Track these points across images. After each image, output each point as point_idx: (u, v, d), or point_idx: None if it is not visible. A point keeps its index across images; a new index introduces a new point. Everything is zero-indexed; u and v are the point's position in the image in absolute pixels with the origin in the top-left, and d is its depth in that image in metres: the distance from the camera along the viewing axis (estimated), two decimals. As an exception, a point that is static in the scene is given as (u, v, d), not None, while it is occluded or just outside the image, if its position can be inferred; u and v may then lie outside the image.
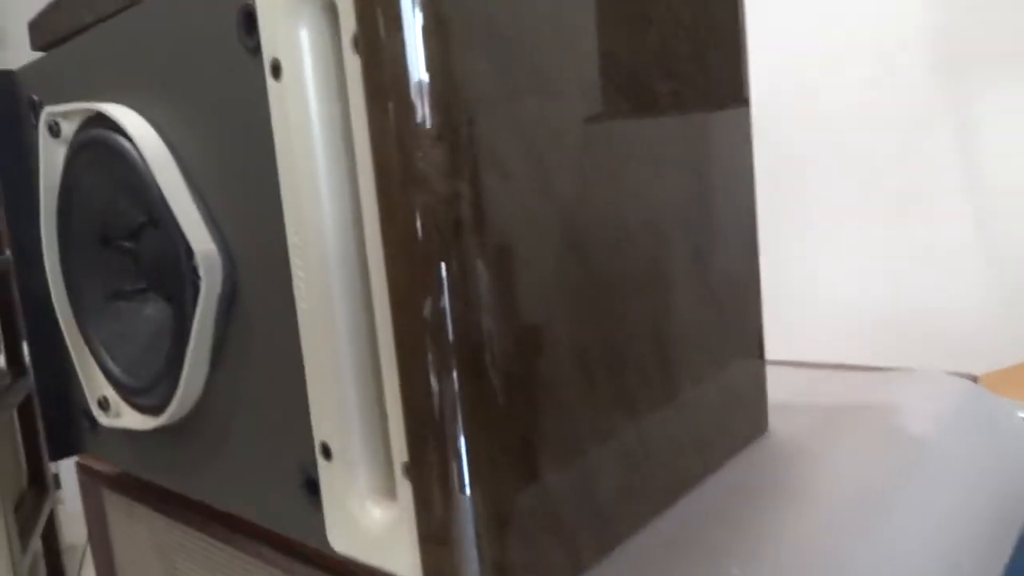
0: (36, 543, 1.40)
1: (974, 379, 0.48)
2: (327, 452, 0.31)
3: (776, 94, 1.09)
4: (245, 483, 0.37)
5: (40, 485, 1.52)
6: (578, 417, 0.30)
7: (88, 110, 0.40)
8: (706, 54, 0.38)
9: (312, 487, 0.32)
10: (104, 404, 0.44)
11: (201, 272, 0.34)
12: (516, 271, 0.27)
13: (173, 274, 0.36)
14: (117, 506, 0.53)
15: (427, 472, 0.26)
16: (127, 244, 0.42)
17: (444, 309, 0.25)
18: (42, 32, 0.45)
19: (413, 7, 0.24)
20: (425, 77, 0.25)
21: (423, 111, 0.25)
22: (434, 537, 0.26)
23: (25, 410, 1.48)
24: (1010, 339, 1.06)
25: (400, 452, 0.27)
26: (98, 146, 0.39)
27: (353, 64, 0.26)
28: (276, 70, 0.29)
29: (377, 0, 0.25)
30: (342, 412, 0.30)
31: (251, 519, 0.37)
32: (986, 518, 0.38)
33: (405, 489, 0.28)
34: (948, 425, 0.41)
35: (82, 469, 0.54)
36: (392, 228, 0.25)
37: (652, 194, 0.34)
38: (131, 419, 0.42)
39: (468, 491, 0.26)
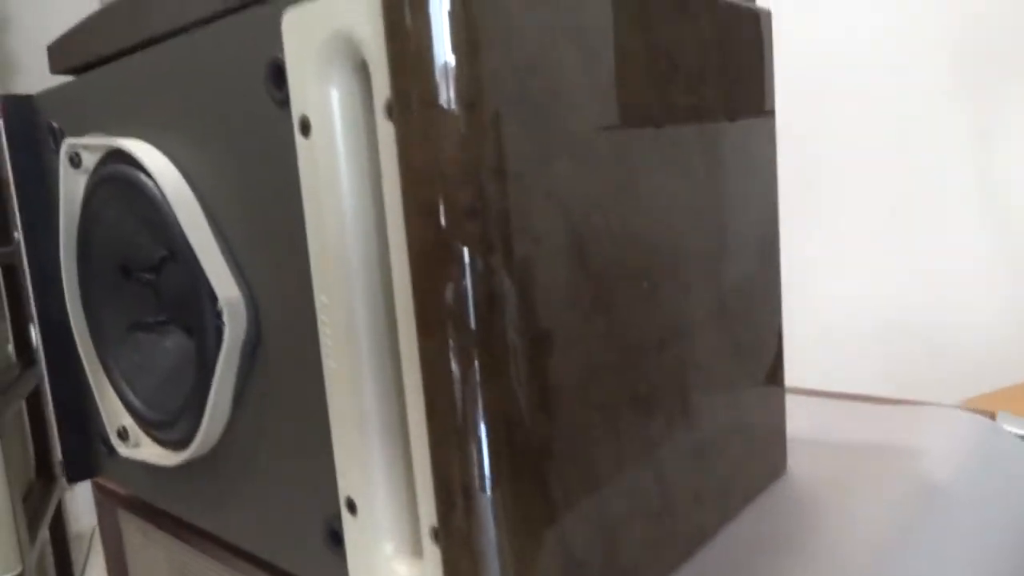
0: (44, 533, 1.41)
1: (992, 416, 0.48)
2: (352, 507, 0.31)
3: (786, 106, 1.08)
4: (265, 524, 0.37)
5: (48, 474, 1.53)
6: (603, 478, 0.30)
7: (110, 145, 0.39)
8: (732, 94, 0.37)
9: (336, 538, 0.33)
10: (123, 434, 0.44)
11: (226, 318, 0.34)
12: (552, 353, 0.27)
13: (195, 314, 0.36)
14: (133, 526, 0.53)
15: (456, 542, 0.26)
16: (148, 276, 0.42)
17: (476, 384, 0.25)
18: (63, 56, 0.45)
19: (448, 81, 0.24)
20: (459, 152, 0.24)
21: (456, 185, 0.24)
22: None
23: (33, 400, 1.48)
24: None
25: (428, 515, 0.28)
26: (120, 181, 0.39)
27: (386, 130, 0.26)
28: (305, 127, 0.29)
29: (412, 71, 0.24)
30: (368, 471, 0.30)
31: (270, 560, 0.37)
32: (1004, 565, 0.38)
33: (432, 552, 0.28)
34: (968, 470, 0.41)
35: (98, 488, 0.54)
36: (425, 301, 0.25)
37: (681, 243, 0.34)
38: (151, 452, 0.42)
39: (498, 563, 0.26)
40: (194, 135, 0.36)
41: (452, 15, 0.24)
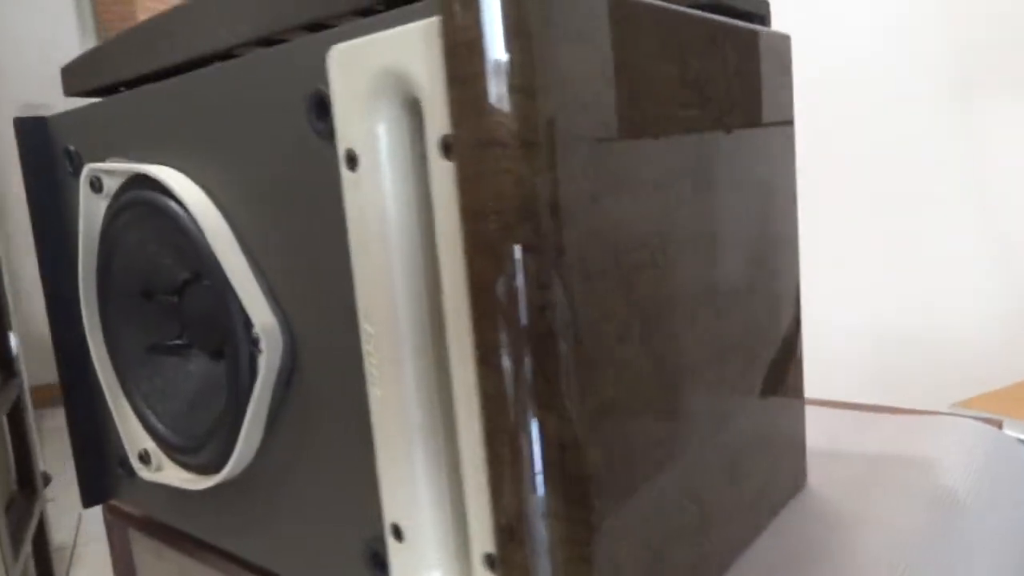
0: (27, 547, 1.39)
1: (999, 425, 0.50)
2: (398, 533, 0.31)
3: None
4: (299, 548, 0.37)
5: (30, 487, 1.50)
6: (646, 499, 0.31)
7: (134, 171, 0.39)
8: (758, 117, 0.38)
9: (378, 562, 0.33)
10: (145, 458, 0.44)
11: (263, 344, 0.34)
12: (602, 379, 0.28)
13: (228, 340, 0.36)
14: (143, 546, 0.53)
15: (514, 569, 0.27)
16: (170, 299, 0.42)
17: (532, 412, 0.26)
18: (80, 78, 0.44)
19: (507, 122, 0.25)
20: (517, 190, 0.25)
21: (515, 222, 0.25)
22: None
23: (14, 411, 1.46)
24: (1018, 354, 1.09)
25: (481, 542, 0.28)
26: (145, 206, 0.39)
27: (440, 166, 0.26)
28: (352, 161, 0.29)
29: (472, 111, 0.25)
30: (415, 497, 0.30)
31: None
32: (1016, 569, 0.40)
33: (485, 579, 0.28)
34: (981, 479, 0.42)
35: (110, 509, 0.54)
36: (484, 331, 0.26)
37: (718, 269, 0.35)
38: (175, 476, 0.42)
39: (555, 589, 0.27)
40: (224, 162, 0.36)
41: (511, 61, 0.24)
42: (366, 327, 0.30)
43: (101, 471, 0.49)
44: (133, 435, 0.45)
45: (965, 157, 1.10)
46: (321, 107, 0.30)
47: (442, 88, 0.26)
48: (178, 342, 0.43)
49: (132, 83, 0.42)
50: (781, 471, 0.41)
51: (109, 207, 0.42)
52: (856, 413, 0.52)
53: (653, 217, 0.30)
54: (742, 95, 0.37)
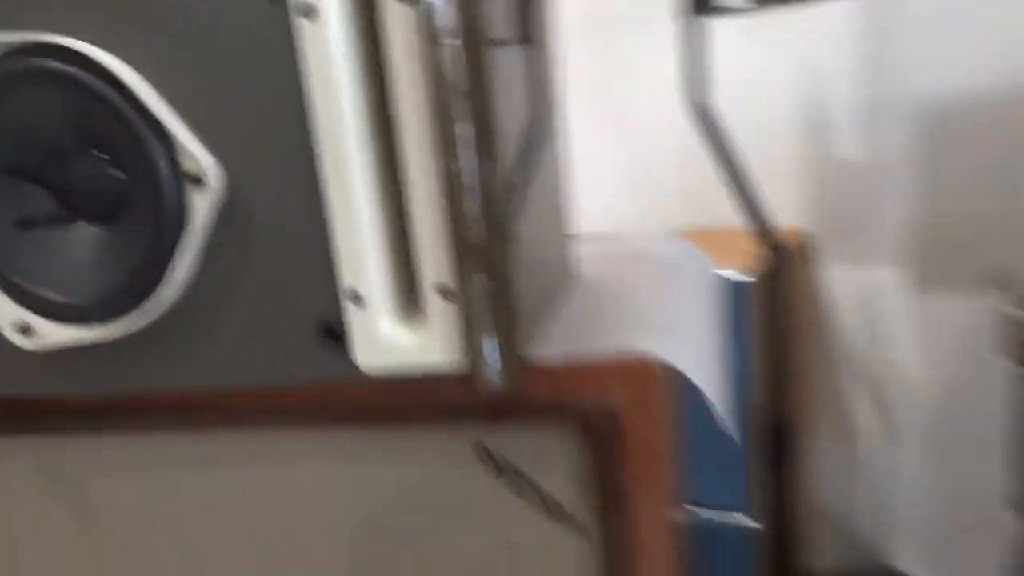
0: None
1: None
2: (356, 297, 0.42)
3: None
4: (246, 355, 0.44)
5: None
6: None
7: (19, 41, 0.42)
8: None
9: (332, 335, 0.43)
10: (28, 330, 0.46)
11: (207, 180, 0.41)
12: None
13: (150, 190, 0.42)
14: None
15: (473, 289, 0.40)
16: (53, 173, 0.45)
17: (472, 170, 0.39)
18: None
19: (448, -25, 0.37)
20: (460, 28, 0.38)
21: (458, 56, 0.38)
22: (489, 330, 0.40)
23: None
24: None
25: (436, 275, 0.40)
26: (38, 75, 0.42)
27: (395, 10, 0.38)
28: (309, 11, 0.39)
29: (422, -32, 0.37)
30: (370, 261, 0.41)
31: (257, 384, 0.45)
32: (708, 312, 0.63)
33: (441, 308, 0.40)
34: (684, 260, 0.65)
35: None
36: (445, 148, 0.38)
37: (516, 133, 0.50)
38: (73, 335, 0.45)
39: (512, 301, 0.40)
40: (131, 25, 0.42)
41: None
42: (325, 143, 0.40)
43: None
44: (6, 312, 0.46)
45: (603, 91, 1.37)
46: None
47: (398, -48, 0.37)
48: (57, 216, 0.46)
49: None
50: (559, 268, 0.59)
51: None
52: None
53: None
54: None
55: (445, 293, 0.41)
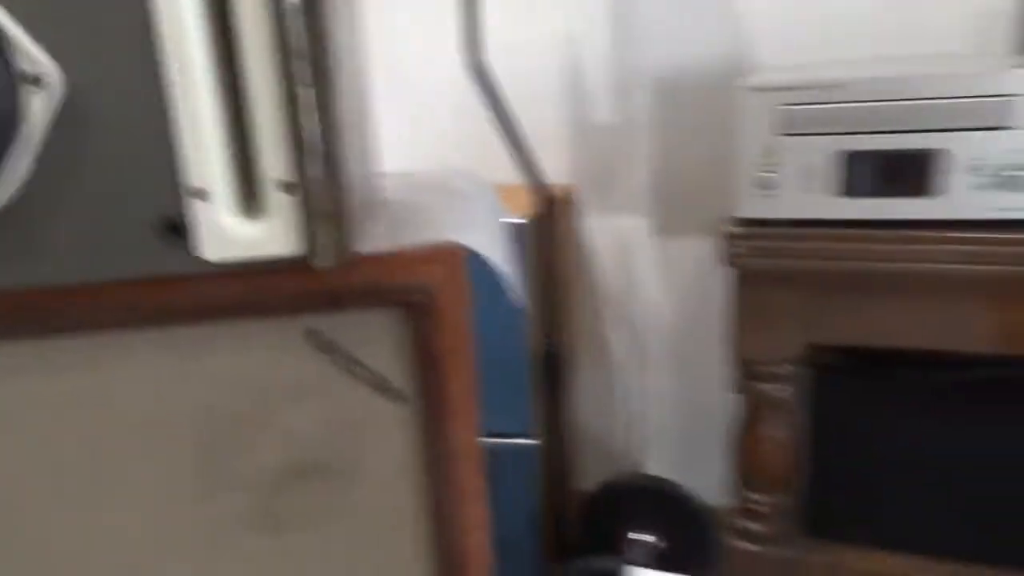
0: None
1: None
2: (200, 194, 0.46)
3: None
4: (86, 253, 0.47)
5: None
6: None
7: None
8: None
9: (175, 230, 0.47)
10: None
11: (45, 81, 0.44)
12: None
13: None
14: None
15: (313, 183, 0.46)
16: None
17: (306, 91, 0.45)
18: None
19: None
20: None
21: (292, -33, 0.44)
22: (326, 218, 0.46)
23: None
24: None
25: (276, 173, 0.46)
26: None
27: (232, -67, 0.43)
28: (149, -72, 0.43)
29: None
30: (211, 158, 0.46)
31: (96, 280, 0.47)
32: (498, 228, 0.73)
33: (283, 201, 0.46)
34: (479, 192, 0.75)
35: None
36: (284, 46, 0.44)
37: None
38: None
39: (344, 192, 0.47)
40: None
41: None
42: (168, 48, 0.44)
43: None
44: None
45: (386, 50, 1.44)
46: None
47: None
48: None
49: None
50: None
51: None
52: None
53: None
54: None
55: (286, 187, 0.47)
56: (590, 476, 1.54)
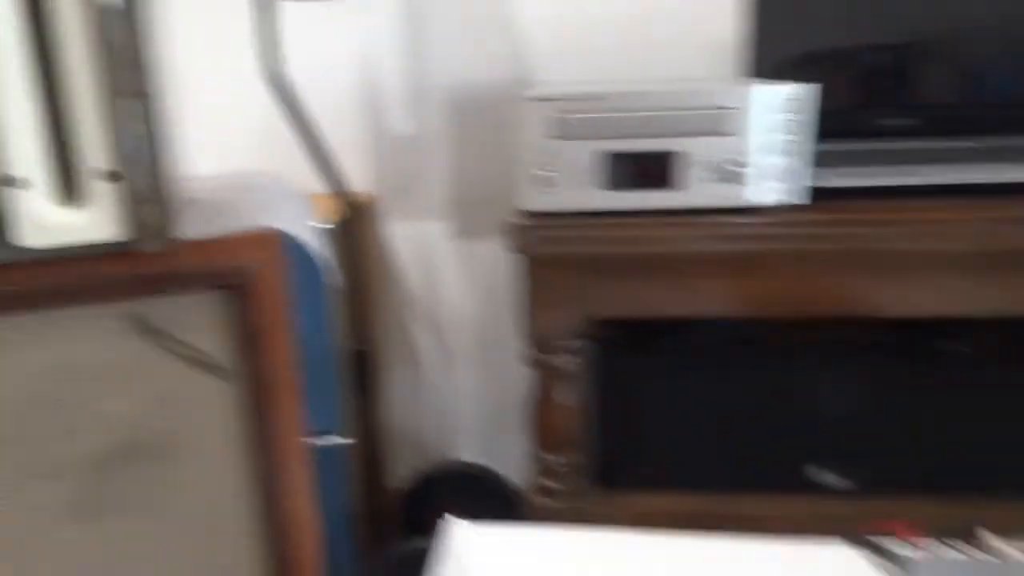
0: None
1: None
2: (19, 183, 0.49)
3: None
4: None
5: None
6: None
7: None
8: None
9: (-6, 219, 0.49)
10: None
11: None
12: (145, 69, 0.53)
13: None
14: None
15: (134, 173, 0.51)
16: None
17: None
18: None
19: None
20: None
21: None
22: (152, 203, 0.51)
23: None
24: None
25: (98, 162, 0.50)
26: None
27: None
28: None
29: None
30: (28, 149, 0.49)
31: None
32: (307, 223, 0.79)
33: (105, 189, 0.50)
34: (286, 193, 0.80)
35: None
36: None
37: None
38: None
39: (166, 181, 0.52)
40: None
41: None
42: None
43: None
44: None
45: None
46: None
47: None
48: None
49: None
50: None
51: None
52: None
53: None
54: None
55: (108, 176, 0.51)
56: (407, 472, 1.61)
